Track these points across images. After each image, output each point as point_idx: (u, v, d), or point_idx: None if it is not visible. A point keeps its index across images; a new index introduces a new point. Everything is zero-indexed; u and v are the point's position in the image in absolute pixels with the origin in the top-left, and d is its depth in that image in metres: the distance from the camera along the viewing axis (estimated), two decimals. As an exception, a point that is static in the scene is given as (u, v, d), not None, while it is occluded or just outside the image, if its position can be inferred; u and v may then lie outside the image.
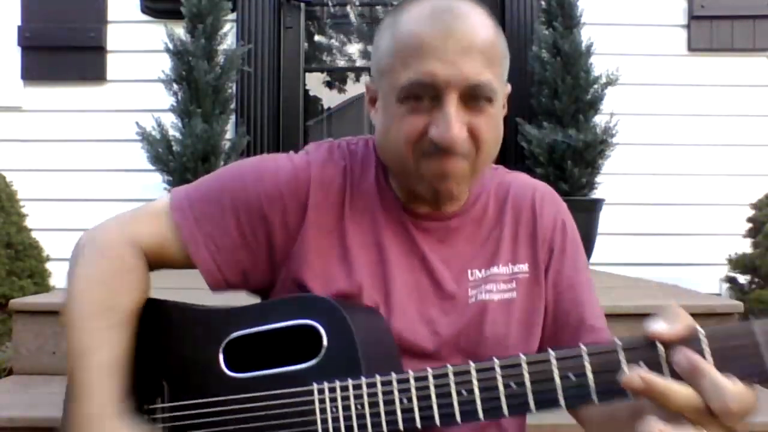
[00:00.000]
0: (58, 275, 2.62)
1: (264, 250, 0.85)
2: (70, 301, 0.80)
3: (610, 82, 2.79)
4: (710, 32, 3.11)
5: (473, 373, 0.63)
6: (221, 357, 0.77)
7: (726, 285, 2.70)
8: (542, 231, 0.91)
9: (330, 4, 3.59)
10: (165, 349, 0.82)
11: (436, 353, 0.83)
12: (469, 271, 0.87)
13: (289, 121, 3.19)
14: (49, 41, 3.07)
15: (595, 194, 2.83)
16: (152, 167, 2.77)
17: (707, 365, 0.54)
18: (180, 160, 2.68)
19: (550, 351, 0.61)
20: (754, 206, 2.58)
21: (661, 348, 0.57)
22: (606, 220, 2.83)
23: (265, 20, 3.11)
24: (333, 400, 0.68)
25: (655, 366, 0.57)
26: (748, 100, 3.11)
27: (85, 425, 0.75)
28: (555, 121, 2.76)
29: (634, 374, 0.55)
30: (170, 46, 2.76)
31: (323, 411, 0.69)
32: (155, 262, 0.87)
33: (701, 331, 0.56)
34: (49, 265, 2.57)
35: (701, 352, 0.55)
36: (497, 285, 0.86)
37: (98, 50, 3.09)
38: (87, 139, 3.09)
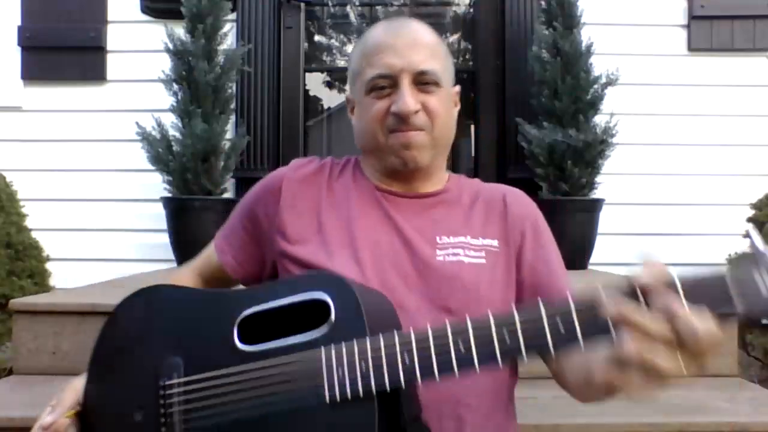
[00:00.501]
0: (58, 275, 2.62)
1: (262, 238, 1.06)
2: None
3: (610, 82, 2.79)
4: (710, 32, 3.11)
5: (469, 325, 0.68)
6: (235, 332, 0.81)
7: (726, 285, 2.69)
8: (512, 218, 1.03)
9: (330, 4, 3.59)
10: (181, 329, 0.86)
11: (412, 305, 0.92)
12: (438, 237, 0.99)
13: (289, 121, 3.19)
14: (49, 41, 3.07)
15: (595, 194, 2.83)
16: (152, 167, 2.77)
17: (682, 309, 0.60)
18: (180, 160, 2.68)
19: (540, 300, 0.66)
20: (754, 206, 2.58)
21: (640, 296, 0.62)
22: (606, 220, 2.84)
23: (265, 20, 3.11)
24: (339, 361, 0.72)
25: None
26: (748, 100, 3.11)
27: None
28: (555, 121, 2.76)
29: (613, 305, 0.61)
30: (170, 46, 2.76)
31: (330, 372, 0.72)
32: (212, 282, 1.13)
33: (676, 278, 0.62)
34: (49, 265, 2.57)
35: (676, 293, 0.61)
36: (466, 251, 0.98)
37: (98, 50, 3.09)
38: (87, 139, 3.09)
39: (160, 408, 0.80)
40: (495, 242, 1.00)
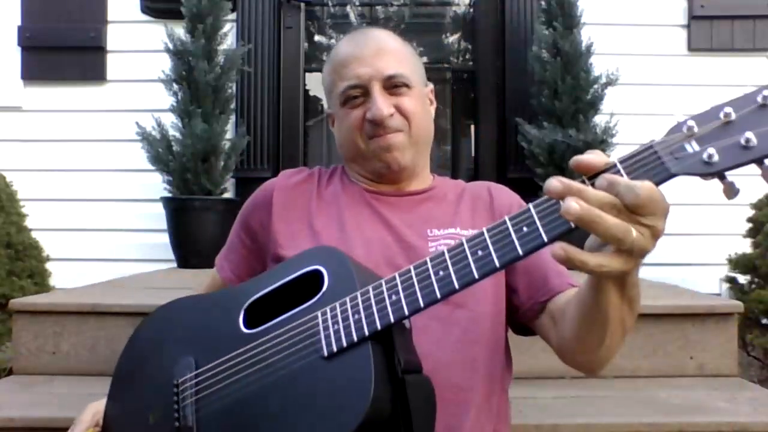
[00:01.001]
0: (58, 275, 2.62)
1: (259, 250, 1.08)
2: None
3: (610, 82, 2.79)
4: (710, 32, 3.11)
5: (446, 254, 0.71)
6: (241, 319, 0.84)
7: (726, 285, 2.69)
8: (499, 207, 1.07)
9: (330, 4, 3.59)
10: (192, 331, 0.90)
11: None
12: (429, 230, 1.02)
13: (289, 121, 3.19)
14: (49, 41, 3.07)
15: (595, 194, 2.83)
16: (152, 167, 2.77)
17: (621, 178, 0.63)
18: (180, 160, 2.68)
19: (506, 217, 0.69)
20: (754, 206, 2.58)
21: (586, 181, 0.65)
22: (606, 220, 2.83)
23: (265, 20, 3.11)
24: (334, 317, 0.75)
25: None
26: (748, 100, 3.10)
27: None
28: (555, 121, 2.76)
29: (559, 185, 0.63)
30: (170, 46, 2.76)
31: (326, 329, 0.75)
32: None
33: (617, 161, 0.65)
34: (49, 265, 2.57)
35: (618, 174, 0.64)
36: (455, 242, 0.95)
37: (98, 50, 3.09)
38: (87, 139, 3.09)
39: (174, 405, 0.83)
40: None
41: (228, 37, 2.93)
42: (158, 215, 2.82)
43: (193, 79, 2.71)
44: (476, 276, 0.68)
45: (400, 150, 1.03)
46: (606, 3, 3.08)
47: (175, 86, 2.76)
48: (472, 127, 3.29)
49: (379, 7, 3.55)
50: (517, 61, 3.08)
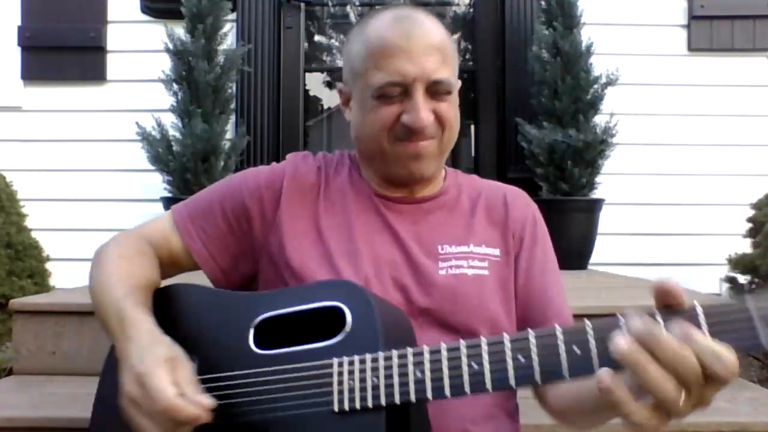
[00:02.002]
0: (58, 275, 2.62)
1: (248, 237, 0.98)
2: (98, 276, 0.94)
3: (610, 82, 2.79)
4: (710, 32, 3.11)
5: (483, 345, 0.66)
6: (251, 336, 0.81)
7: (726, 285, 2.69)
8: (513, 223, 1.01)
9: (330, 4, 3.59)
10: (197, 328, 0.87)
11: (414, 321, 0.87)
12: (440, 246, 0.96)
13: (289, 121, 3.19)
14: (49, 41, 3.07)
15: (595, 194, 2.83)
16: (152, 167, 2.77)
17: (700, 334, 0.55)
18: (180, 160, 2.68)
19: (557, 326, 0.63)
20: (754, 206, 2.58)
21: (660, 319, 0.58)
22: (606, 220, 2.83)
23: (265, 20, 3.11)
24: (351, 372, 0.71)
25: None
26: (748, 100, 3.11)
27: (142, 352, 0.77)
28: (555, 121, 2.76)
29: (633, 324, 0.56)
30: (170, 46, 2.76)
31: (340, 383, 0.72)
32: (165, 261, 1.00)
33: (698, 306, 0.58)
34: (49, 265, 2.57)
35: (698, 326, 0.57)
36: (470, 261, 0.95)
37: (98, 50, 3.09)
38: (87, 139, 3.09)
39: None
40: (497, 251, 0.98)
41: (228, 37, 2.93)
42: (158, 215, 2.81)
43: (193, 79, 2.71)
44: (512, 384, 0.64)
45: (428, 159, 0.95)
46: (606, 3, 3.08)
47: (175, 86, 2.76)
48: (472, 126, 3.29)
49: (378, 7, 3.55)
50: (517, 61, 3.08)
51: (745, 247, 2.56)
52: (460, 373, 0.66)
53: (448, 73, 0.93)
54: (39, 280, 2.46)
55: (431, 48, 0.91)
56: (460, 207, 1.02)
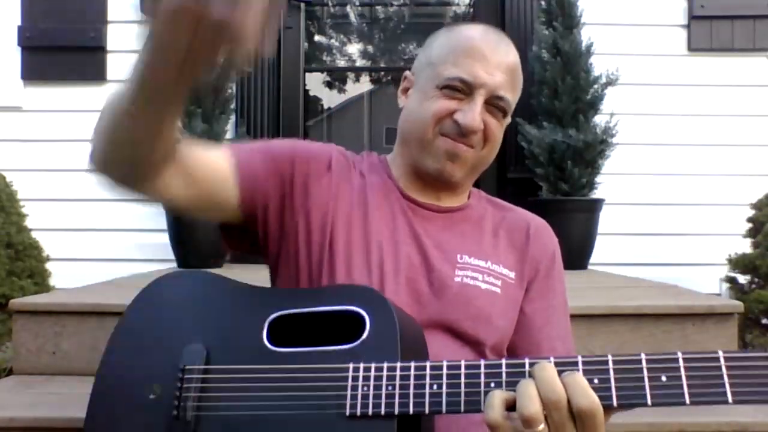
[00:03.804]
0: (58, 275, 2.62)
1: (281, 186, 0.96)
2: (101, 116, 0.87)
3: (610, 82, 2.79)
4: (710, 32, 3.11)
5: (503, 367, 0.69)
6: (264, 331, 0.81)
7: (726, 285, 2.69)
8: (533, 252, 1.02)
9: (330, 4, 3.59)
10: (209, 317, 0.87)
11: (421, 324, 0.88)
12: (459, 255, 0.97)
13: (289, 121, 3.19)
14: (49, 41, 3.07)
15: (595, 194, 2.83)
16: (152, 167, 2.76)
17: (579, 375, 0.65)
18: (180, 160, 2.68)
19: (580, 357, 0.67)
20: (754, 206, 2.58)
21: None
22: (606, 220, 2.83)
23: (265, 20, 3.11)
24: (366, 378, 0.72)
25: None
26: (748, 100, 3.11)
27: None
28: (555, 121, 2.76)
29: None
30: (170, 46, 2.76)
31: (354, 388, 0.72)
32: (199, 163, 0.92)
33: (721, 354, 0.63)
34: (49, 265, 2.57)
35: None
36: (485, 276, 0.96)
37: (98, 50, 3.09)
38: (87, 139, 3.05)
39: (176, 390, 0.80)
40: (512, 274, 0.99)
41: (228, 37, 2.92)
42: (158, 215, 2.82)
43: (193, 79, 2.70)
44: None
45: (462, 164, 0.98)
46: (606, 3, 3.08)
47: (175, 86, 2.76)
48: (472, 127, 3.29)
49: (379, 7, 3.55)
50: (517, 61, 3.08)
51: (745, 247, 2.56)
52: (478, 390, 0.68)
53: (512, 96, 0.99)
54: (39, 280, 2.46)
55: (507, 67, 0.97)
56: (483, 225, 1.03)
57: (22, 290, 2.32)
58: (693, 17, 3.10)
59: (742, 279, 2.54)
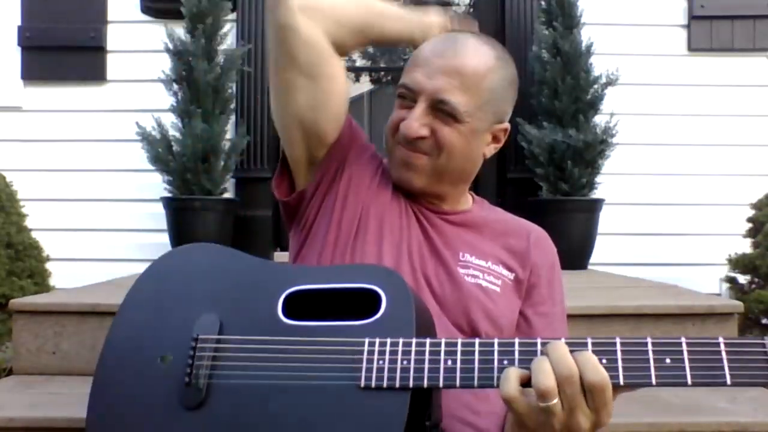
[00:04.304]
0: (58, 275, 2.62)
1: (332, 164, 1.02)
2: None
3: (610, 82, 2.79)
4: (710, 32, 3.11)
5: (516, 345, 0.71)
6: (280, 304, 0.81)
7: (726, 285, 2.69)
8: (534, 259, 1.02)
9: (330, 4, 3.59)
10: (223, 289, 0.87)
11: (432, 312, 0.90)
12: (461, 254, 0.99)
13: (289, 121, 3.18)
14: (49, 41, 3.07)
15: (595, 194, 2.83)
16: (152, 167, 2.77)
17: (588, 352, 0.67)
18: (180, 160, 2.68)
19: (589, 338, 0.69)
20: (754, 206, 2.58)
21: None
22: (606, 220, 2.83)
23: (266, 20, 3.10)
24: (381, 353, 0.73)
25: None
26: (748, 100, 3.11)
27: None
28: (555, 121, 2.76)
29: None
30: (170, 46, 2.76)
31: (370, 361, 0.73)
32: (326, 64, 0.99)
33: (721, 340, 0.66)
34: (49, 265, 2.57)
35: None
36: (485, 275, 0.98)
37: (98, 50, 3.09)
38: (87, 139, 3.09)
39: (189, 359, 0.80)
40: (512, 275, 1.01)
41: (228, 37, 2.93)
42: (158, 215, 2.82)
43: (193, 79, 2.71)
44: None
45: (417, 172, 0.98)
46: (606, 3, 3.08)
47: (175, 86, 2.76)
48: (472, 127, 3.29)
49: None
50: (517, 61, 3.05)
51: (745, 247, 2.56)
52: (491, 366, 0.70)
53: (463, 100, 0.93)
54: (39, 280, 2.46)
55: (453, 71, 0.93)
56: (483, 230, 1.04)
57: (22, 290, 2.32)
58: (693, 17, 3.10)
59: (742, 279, 2.54)
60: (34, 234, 2.54)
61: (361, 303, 0.79)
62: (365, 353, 0.74)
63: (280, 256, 2.97)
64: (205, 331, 0.82)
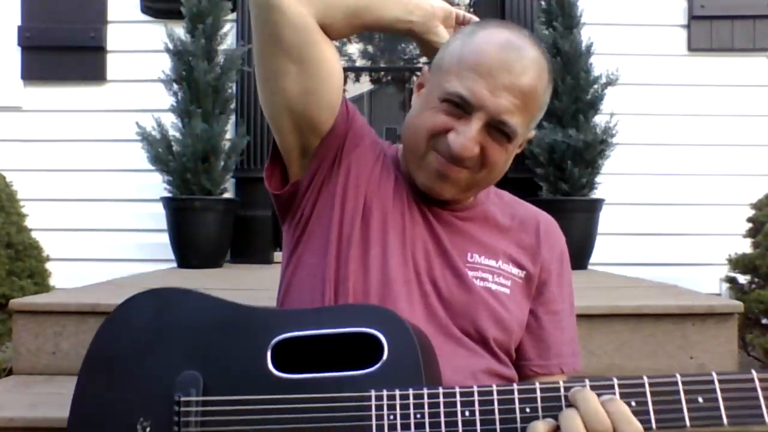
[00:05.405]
0: (58, 275, 2.62)
1: (327, 154, 0.96)
2: None
3: (610, 82, 2.79)
4: (710, 32, 3.11)
5: (538, 392, 0.66)
6: (269, 356, 0.74)
7: (726, 285, 2.69)
8: (544, 254, 1.01)
9: (330, 4, 3.59)
10: (201, 340, 0.78)
11: (434, 316, 0.90)
12: (469, 254, 0.95)
13: (289, 121, 3.18)
14: (49, 41, 3.07)
15: (595, 194, 2.83)
16: (152, 167, 2.77)
17: (620, 401, 0.64)
18: (180, 160, 2.68)
19: (615, 379, 0.66)
20: (754, 206, 2.58)
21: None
22: (606, 220, 2.83)
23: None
24: (391, 407, 0.67)
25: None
26: (748, 100, 3.11)
27: None
28: (555, 121, 2.76)
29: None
30: (170, 46, 2.76)
31: (380, 418, 0.67)
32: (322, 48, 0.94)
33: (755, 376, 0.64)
34: (49, 265, 2.56)
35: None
36: (495, 277, 0.95)
37: (98, 50, 3.09)
38: (87, 139, 3.09)
39: (174, 425, 0.73)
40: (522, 273, 0.98)
41: (228, 37, 2.93)
42: (158, 215, 2.82)
43: (193, 79, 2.71)
44: None
45: (452, 185, 0.92)
46: (606, 3, 3.08)
47: (175, 86, 2.76)
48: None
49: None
50: (517, 61, 3.08)
51: (745, 247, 2.56)
52: (513, 417, 0.66)
53: (520, 121, 0.88)
54: (39, 280, 2.46)
55: (517, 90, 0.86)
56: (492, 222, 1.00)
57: (22, 290, 2.32)
58: (693, 17, 3.10)
59: (742, 279, 2.54)
60: (34, 234, 2.54)
61: (356, 348, 0.72)
62: (373, 408, 0.67)
63: (281, 256, 2.96)
64: (187, 391, 0.74)
